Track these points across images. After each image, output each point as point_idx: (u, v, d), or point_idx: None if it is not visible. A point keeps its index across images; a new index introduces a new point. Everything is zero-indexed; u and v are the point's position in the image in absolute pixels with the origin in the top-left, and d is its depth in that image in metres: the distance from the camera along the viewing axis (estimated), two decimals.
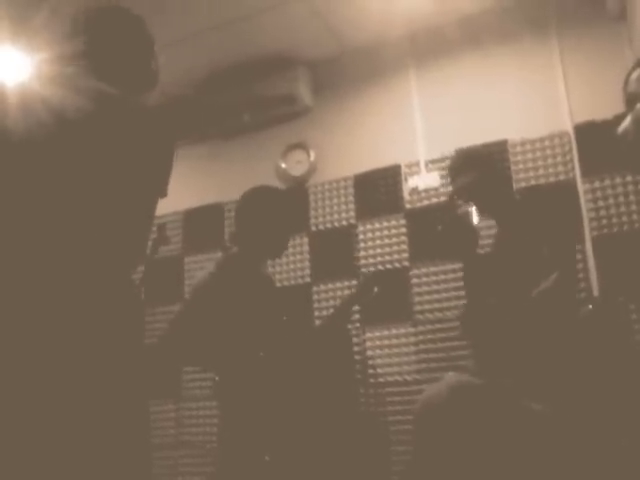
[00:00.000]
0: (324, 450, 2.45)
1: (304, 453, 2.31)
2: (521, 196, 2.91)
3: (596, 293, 2.97)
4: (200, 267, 3.90)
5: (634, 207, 3.00)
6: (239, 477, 2.28)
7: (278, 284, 3.43)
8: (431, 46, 3.62)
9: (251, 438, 2.26)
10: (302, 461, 2.29)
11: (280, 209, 2.58)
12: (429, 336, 3.27)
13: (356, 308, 3.36)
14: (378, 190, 3.61)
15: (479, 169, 2.51)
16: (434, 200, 3.44)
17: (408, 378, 3.26)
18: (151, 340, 3.80)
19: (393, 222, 3.52)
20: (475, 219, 2.39)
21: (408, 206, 3.51)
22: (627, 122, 1.40)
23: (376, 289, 2.96)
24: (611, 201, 3.05)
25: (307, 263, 3.69)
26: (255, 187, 2.62)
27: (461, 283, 3.21)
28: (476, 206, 2.61)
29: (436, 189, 3.45)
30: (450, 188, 3.31)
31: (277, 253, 2.62)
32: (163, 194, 1.48)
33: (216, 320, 2.32)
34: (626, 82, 1.47)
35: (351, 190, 3.69)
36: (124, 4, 1.65)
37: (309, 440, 2.36)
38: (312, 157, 3.82)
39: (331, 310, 3.49)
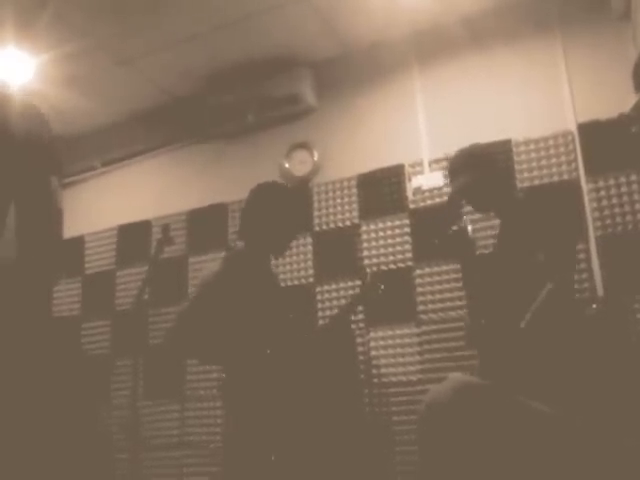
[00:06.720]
0: (329, 450, 2.45)
1: (309, 453, 2.31)
2: (524, 195, 2.89)
3: (600, 293, 2.96)
4: (205, 267, 3.91)
5: (638, 206, 2.99)
6: (246, 477, 2.28)
7: (282, 284, 3.43)
8: (434, 46, 3.61)
9: (258, 437, 2.26)
10: (307, 461, 2.29)
11: (286, 205, 2.59)
12: (433, 336, 3.27)
13: (361, 307, 3.35)
14: (382, 190, 3.60)
15: (478, 169, 2.47)
16: (438, 200, 3.43)
17: (412, 378, 3.26)
18: (156, 340, 3.85)
19: (397, 222, 3.52)
20: (470, 231, 2.38)
21: (412, 206, 3.50)
22: None
23: (382, 287, 2.96)
24: (615, 201, 3.04)
25: (310, 263, 3.69)
26: (262, 183, 2.63)
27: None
28: (475, 206, 2.59)
29: (440, 189, 3.44)
30: (449, 188, 3.33)
31: (281, 250, 2.62)
32: None
33: (222, 315, 2.32)
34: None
35: (355, 190, 3.68)
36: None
37: (314, 440, 2.36)
38: (316, 157, 3.82)
39: (335, 310, 3.49)
